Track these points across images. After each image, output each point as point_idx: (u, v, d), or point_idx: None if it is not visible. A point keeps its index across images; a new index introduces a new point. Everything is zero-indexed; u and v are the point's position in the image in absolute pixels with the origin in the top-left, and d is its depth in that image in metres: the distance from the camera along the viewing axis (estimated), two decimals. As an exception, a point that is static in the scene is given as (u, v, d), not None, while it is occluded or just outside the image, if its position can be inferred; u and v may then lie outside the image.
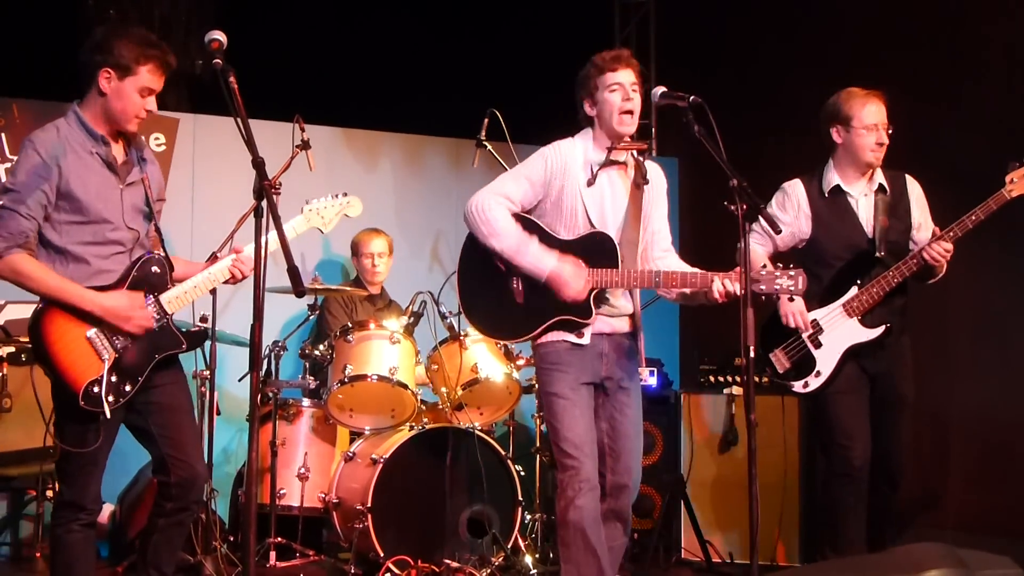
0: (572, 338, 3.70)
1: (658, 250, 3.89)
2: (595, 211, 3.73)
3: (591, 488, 3.63)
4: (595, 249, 3.70)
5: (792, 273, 3.58)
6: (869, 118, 4.25)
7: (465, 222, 3.74)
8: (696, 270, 3.71)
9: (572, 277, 3.63)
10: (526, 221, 3.75)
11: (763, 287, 3.58)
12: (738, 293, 3.52)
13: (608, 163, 3.76)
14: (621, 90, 3.69)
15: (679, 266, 3.83)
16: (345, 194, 4.01)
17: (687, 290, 3.70)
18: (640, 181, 3.79)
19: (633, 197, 3.79)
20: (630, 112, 3.69)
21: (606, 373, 3.76)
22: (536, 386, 5.35)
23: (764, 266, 3.73)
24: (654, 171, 3.87)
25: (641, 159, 3.83)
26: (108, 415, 3.34)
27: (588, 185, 3.72)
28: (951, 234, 4.14)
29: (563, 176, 3.72)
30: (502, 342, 3.80)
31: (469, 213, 3.71)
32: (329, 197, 3.97)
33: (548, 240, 3.72)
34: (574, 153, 3.76)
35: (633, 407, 3.81)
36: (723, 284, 3.56)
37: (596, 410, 3.77)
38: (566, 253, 3.68)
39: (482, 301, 3.80)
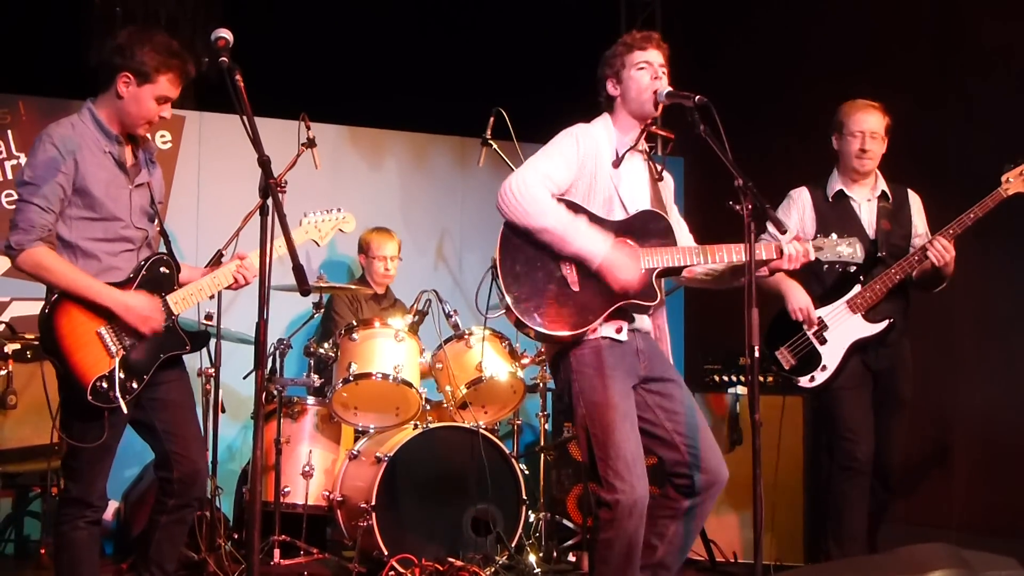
0: (612, 334, 3.44)
1: (682, 243, 3.66)
2: (627, 194, 3.55)
3: (641, 514, 3.36)
4: (646, 227, 3.50)
5: (849, 240, 3.54)
6: (855, 125, 4.42)
7: (501, 205, 3.41)
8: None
9: (628, 263, 3.39)
10: (569, 204, 3.48)
11: (827, 255, 3.53)
12: (812, 256, 3.49)
13: (634, 148, 3.59)
14: (650, 69, 3.54)
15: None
16: (339, 209, 4.06)
17: (720, 268, 3.55)
18: (658, 176, 3.68)
19: (653, 188, 3.66)
20: (655, 91, 3.51)
21: (646, 372, 3.53)
22: (541, 384, 5.40)
23: (817, 234, 3.63)
24: (665, 173, 3.75)
25: (652, 155, 3.71)
26: (126, 410, 3.36)
27: (615, 167, 3.55)
28: (950, 231, 4.23)
29: (596, 157, 3.53)
30: (564, 334, 3.41)
31: (508, 194, 3.38)
32: (325, 212, 4.03)
33: (597, 222, 3.47)
34: (599, 135, 3.58)
35: (690, 397, 3.59)
36: (792, 248, 3.46)
37: (652, 410, 3.53)
38: (620, 235, 3.47)
39: (532, 293, 3.41)
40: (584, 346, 3.45)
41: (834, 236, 3.58)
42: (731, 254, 3.50)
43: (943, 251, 4.21)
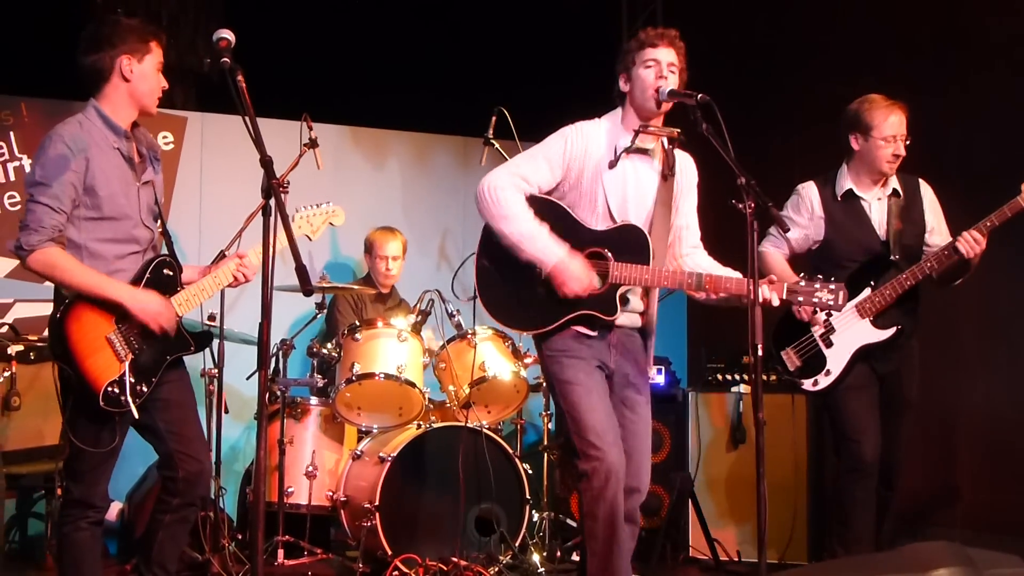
0: (581, 329, 3.54)
1: (686, 246, 3.74)
2: (615, 197, 3.56)
3: (618, 479, 3.43)
4: (626, 242, 3.52)
5: (832, 287, 3.48)
6: (889, 129, 4.24)
7: (476, 202, 3.56)
8: (729, 271, 3.59)
9: (577, 274, 3.44)
10: (551, 204, 3.57)
11: (801, 299, 3.50)
12: (775, 303, 3.46)
13: (634, 149, 3.58)
14: (656, 67, 3.52)
15: (709, 264, 3.69)
16: (329, 202, 4.07)
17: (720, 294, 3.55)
18: (667, 172, 3.63)
19: (661, 188, 3.63)
20: (657, 89, 3.50)
21: (614, 366, 3.60)
22: (544, 384, 5.39)
23: (802, 276, 3.57)
24: (685, 161, 3.73)
25: (671, 148, 3.66)
26: (136, 414, 3.37)
27: (610, 168, 3.55)
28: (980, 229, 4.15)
29: (584, 158, 3.54)
30: (518, 332, 3.65)
31: (480, 193, 3.51)
32: (315, 205, 4.04)
33: (577, 229, 3.54)
34: (597, 134, 3.59)
35: (644, 405, 3.65)
36: (765, 292, 3.42)
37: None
38: (595, 246, 3.52)
39: (500, 289, 3.59)
40: (555, 334, 3.57)
41: (819, 279, 3.51)
42: (715, 287, 3.51)
43: (974, 243, 4.10)
